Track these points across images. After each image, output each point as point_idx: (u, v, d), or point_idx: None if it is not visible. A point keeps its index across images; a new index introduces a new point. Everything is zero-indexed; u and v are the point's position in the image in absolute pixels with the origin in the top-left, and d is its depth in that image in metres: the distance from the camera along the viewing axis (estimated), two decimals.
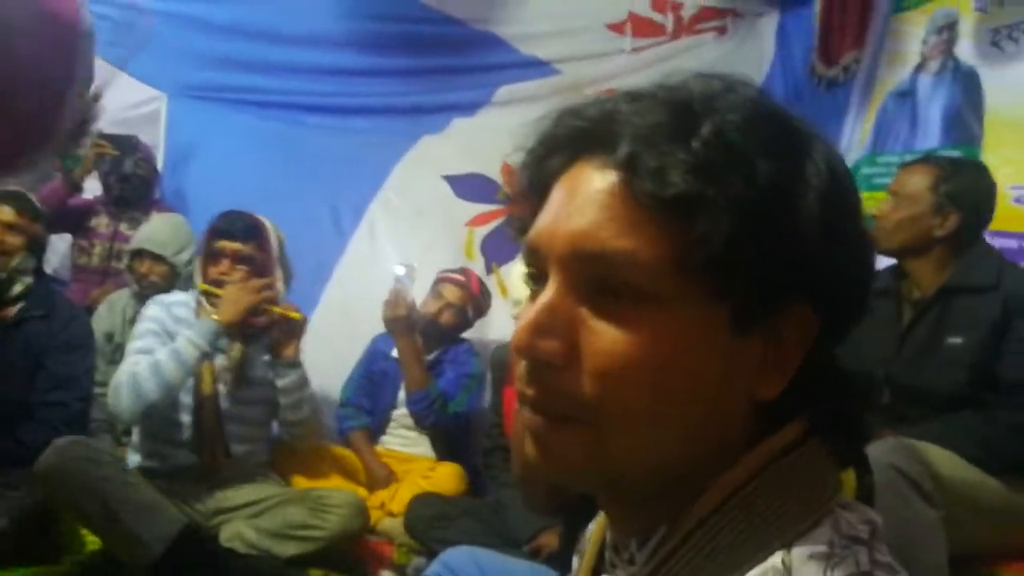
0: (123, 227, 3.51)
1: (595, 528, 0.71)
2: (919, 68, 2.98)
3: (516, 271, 2.74)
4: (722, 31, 3.89)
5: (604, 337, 0.53)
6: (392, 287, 2.99)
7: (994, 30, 2.69)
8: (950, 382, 1.98)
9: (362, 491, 2.80)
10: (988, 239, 2.13)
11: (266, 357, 2.54)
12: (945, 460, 1.79)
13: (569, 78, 3.90)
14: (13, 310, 2.50)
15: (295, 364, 2.54)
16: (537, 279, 0.59)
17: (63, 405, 2.48)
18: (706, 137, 0.52)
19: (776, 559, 0.51)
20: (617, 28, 3.92)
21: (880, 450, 1.68)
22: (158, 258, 3.05)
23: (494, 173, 3.83)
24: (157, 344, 2.37)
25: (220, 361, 2.45)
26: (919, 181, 2.10)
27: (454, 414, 2.98)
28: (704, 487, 0.55)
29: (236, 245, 2.47)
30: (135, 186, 3.56)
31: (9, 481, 2.30)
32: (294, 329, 2.54)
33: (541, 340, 0.54)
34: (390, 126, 4.00)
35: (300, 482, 2.78)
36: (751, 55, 3.75)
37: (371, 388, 3.13)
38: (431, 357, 3.05)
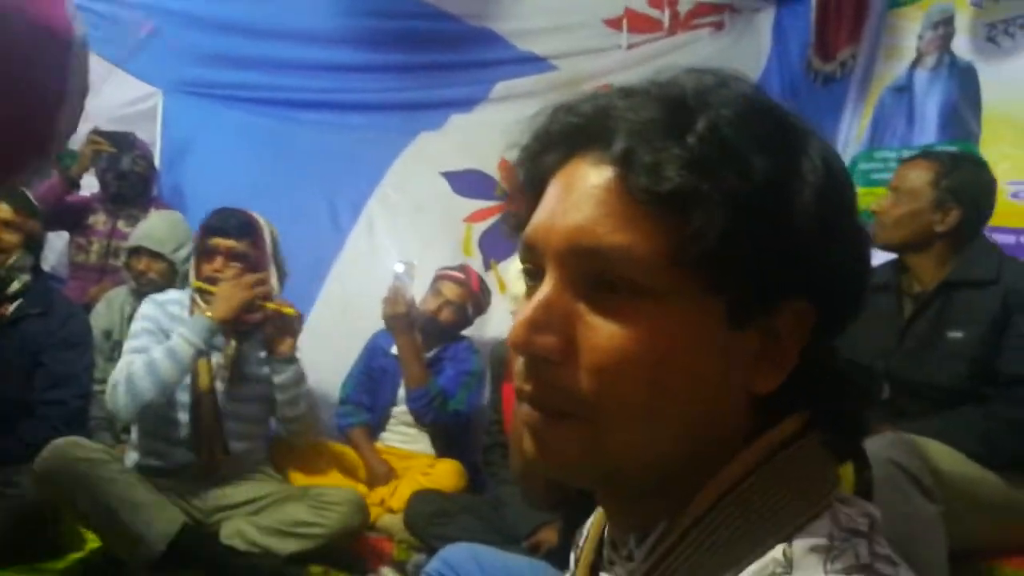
0: (121, 224, 3.51)
1: (593, 524, 0.71)
2: (915, 63, 2.98)
3: (514, 267, 2.74)
4: (719, 27, 3.89)
5: (601, 332, 0.54)
6: (391, 285, 2.99)
7: (990, 25, 2.69)
8: (950, 376, 1.98)
9: (361, 487, 2.80)
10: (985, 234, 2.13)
11: (262, 354, 2.54)
12: (945, 455, 1.79)
13: (566, 74, 3.90)
14: (11, 308, 2.50)
15: (291, 360, 2.54)
16: (534, 275, 0.59)
17: (62, 403, 2.48)
18: (701, 132, 0.52)
19: (777, 552, 0.52)
20: (614, 24, 3.91)
21: (879, 445, 1.68)
22: (156, 255, 3.05)
23: (492, 169, 3.83)
24: (152, 343, 2.36)
25: (217, 358, 2.45)
26: (919, 176, 2.10)
27: (454, 412, 2.98)
28: (702, 482, 0.55)
29: (229, 242, 2.47)
30: (132, 183, 3.55)
31: (9, 479, 2.31)
32: (289, 325, 2.54)
33: (538, 336, 0.54)
34: (388, 122, 4.00)
35: (297, 478, 2.79)
36: (748, 51, 3.75)
37: (371, 385, 3.13)
38: (431, 354, 3.05)
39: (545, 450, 0.57)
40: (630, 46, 3.90)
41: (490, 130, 3.53)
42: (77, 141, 3.53)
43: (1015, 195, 2.45)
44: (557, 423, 0.56)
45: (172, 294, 2.56)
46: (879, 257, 2.24)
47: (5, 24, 0.97)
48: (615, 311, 0.53)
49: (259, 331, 2.53)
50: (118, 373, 2.30)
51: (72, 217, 3.53)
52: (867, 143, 3.13)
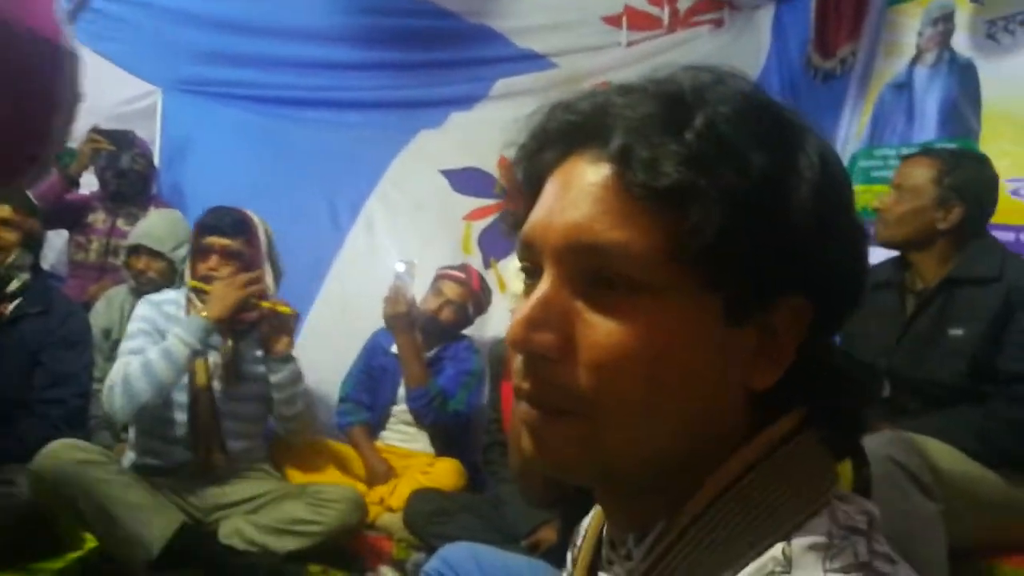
0: (120, 223, 3.50)
1: (591, 523, 0.71)
2: (915, 60, 2.98)
3: (514, 265, 2.73)
4: (718, 24, 3.89)
5: (599, 329, 0.53)
6: (392, 284, 2.99)
7: (990, 22, 2.69)
8: (951, 373, 1.98)
9: (360, 486, 2.80)
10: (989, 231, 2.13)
11: (259, 352, 2.54)
12: (944, 453, 1.79)
13: (566, 71, 3.89)
14: (10, 307, 2.50)
15: (287, 359, 2.54)
16: (532, 273, 0.59)
17: (61, 402, 2.48)
18: (698, 129, 0.52)
19: (776, 551, 0.51)
20: (613, 21, 3.91)
21: (878, 443, 1.68)
22: (155, 254, 3.04)
23: (492, 167, 3.83)
24: (148, 344, 2.36)
25: (213, 357, 2.45)
26: (922, 174, 2.10)
27: (454, 412, 2.98)
28: (701, 480, 0.55)
29: (224, 241, 2.46)
30: (132, 181, 3.55)
31: (8, 478, 2.31)
32: (285, 324, 2.54)
33: (536, 334, 0.54)
34: (387, 120, 4.00)
35: (294, 475, 2.79)
36: (747, 48, 3.74)
37: (370, 383, 3.13)
38: (431, 354, 3.05)
39: (543, 448, 0.57)
40: (630, 43, 3.90)
41: (490, 128, 3.53)
42: (76, 139, 3.53)
43: (1015, 192, 2.45)
44: (555, 421, 0.55)
45: (168, 294, 2.55)
46: (882, 254, 2.24)
47: None
48: (613, 308, 0.53)
49: (255, 330, 2.53)
50: (114, 375, 2.30)
51: (71, 215, 3.52)
52: (867, 140, 3.13)
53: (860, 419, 0.61)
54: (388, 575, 2.43)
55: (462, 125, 3.94)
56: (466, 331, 3.18)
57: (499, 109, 3.86)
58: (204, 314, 2.37)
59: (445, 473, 2.87)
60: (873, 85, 3.15)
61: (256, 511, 2.41)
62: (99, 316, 3.07)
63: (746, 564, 0.52)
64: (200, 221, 2.53)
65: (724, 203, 0.51)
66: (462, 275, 3.14)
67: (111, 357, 2.84)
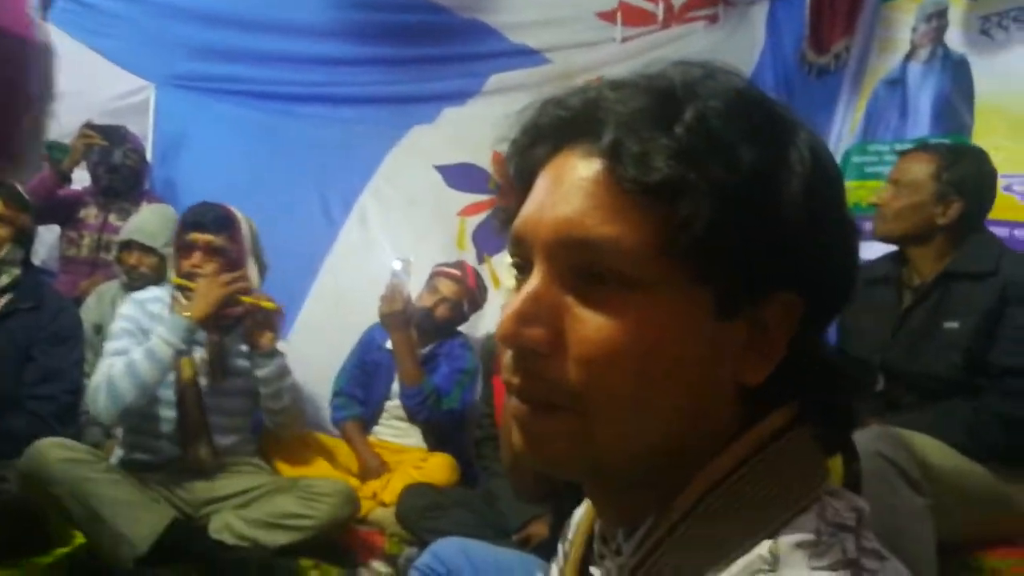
0: (112, 218, 3.49)
1: (583, 518, 0.71)
2: (909, 56, 2.98)
3: (507, 260, 2.73)
4: (713, 19, 3.88)
5: (589, 324, 0.53)
6: (389, 282, 2.98)
7: (983, 18, 2.69)
8: (946, 367, 1.99)
9: (353, 481, 2.80)
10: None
11: (244, 347, 2.53)
12: (933, 448, 1.80)
13: (559, 67, 3.89)
14: (1, 302, 2.48)
15: (272, 354, 2.53)
16: (522, 268, 0.59)
17: (52, 398, 2.47)
18: (689, 123, 0.52)
19: (763, 548, 0.51)
20: (608, 17, 3.91)
21: (867, 438, 1.69)
22: (147, 249, 3.03)
23: (485, 163, 3.83)
24: (132, 344, 2.36)
25: (199, 353, 2.45)
26: (921, 169, 2.10)
27: (448, 410, 2.98)
28: (691, 475, 0.55)
29: (207, 237, 2.45)
30: (124, 177, 3.54)
31: None
32: (269, 319, 2.53)
33: (526, 329, 0.54)
34: (381, 116, 3.99)
35: (284, 469, 2.78)
36: (742, 43, 3.74)
37: (364, 378, 3.13)
38: (426, 351, 3.05)
39: (533, 443, 0.57)
40: (624, 39, 3.90)
41: (483, 123, 3.50)
42: (68, 135, 3.52)
43: (1007, 188, 2.45)
44: (545, 415, 0.55)
45: (152, 292, 2.54)
46: (879, 249, 2.24)
47: None
48: (603, 303, 0.53)
49: (241, 325, 2.53)
50: (99, 376, 2.30)
51: (63, 211, 3.51)
52: (860, 136, 3.13)
53: (851, 414, 0.61)
54: (380, 570, 2.43)
55: (455, 120, 3.94)
56: (461, 328, 3.18)
57: (493, 105, 3.85)
58: (188, 314, 2.36)
59: (438, 468, 2.87)
60: (867, 81, 3.16)
61: (247, 505, 2.40)
62: (90, 312, 3.06)
63: (734, 560, 0.52)
64: (182, 218, 2.52)
65: (714, 197, 0.50)
66: (458, 272, 3.13)
67: (102, 353, 2.83)
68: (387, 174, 3.85)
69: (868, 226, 2.24)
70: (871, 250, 2.27)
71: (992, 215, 2.17)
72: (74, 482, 2.15)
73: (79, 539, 2.32)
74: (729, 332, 0.54)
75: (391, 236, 3.69)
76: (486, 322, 3.30)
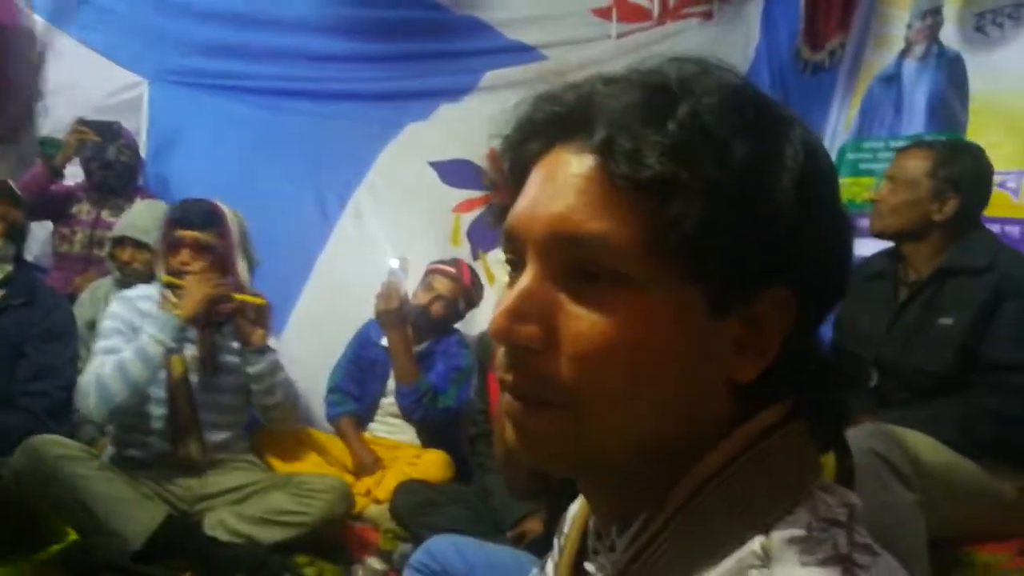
0: (105, 214, 3.49)
1: (577, 513, 0.71)
2: (904, 53, 2.98)
3: (501, 257, 2.72)
4: (708, 16, 3.88)
5: (582, 321, 0.53)
6: (386, 280, 2.97)
7: (979, 15, 2.69)
8: (940, 363, 1.99)
9: (347, 477, 2.80)
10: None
11: (235, 344, 2.53)
12: (925, 445, 1.81)
13: (555, 63, 3.88)
14: None
15: (263, 350, 2.53)
16: (516, 265, 0.59)
17: (45, 395, 2.47)
18: (681, 119, 0.52)
19: (755, 544, 0.51)
20: (603, 13, 3.91)
21: (860, 435, 1.69)
22: (140, 245, 3.02)
23: (480, 159, 3.80)
24: (122, 343, 2.35)
25: (190, 350, 2.44)
26: (918, 166, 2.10)
27: (444, 408, 2.98)
28: (684, 471, 0.55)
29: (195, 233, 2.44)
30: (117, 173, 3.53)
31: None
32: (259, 315, 2.53)
33: (519, 325, 0.54)
34: (376, 112, 3.98)
35: (278, 465, 2.78)
36: (737, 40, 3.75)
37: (359, 375, 3.13)
38: (421, 348, 3.04)
39: (526, 439, 0.57)
40: (619, 35, 3.89)
41: (479, 120, 3.51)
42: (61, 130, 3.51)
43: (1002, 184, 2.45)
44: (538, 412, 0.55)
45: (142, 289, 2.53)
46: (876, 246, 2.24)
47: None
48: (595, 300, 0.53)
49: (231, 322, 2.52)
50: (88, 375, 2.30)
51: (56, 207, 3.50)
52: (855, 133, 3.13)
53: (845, 411, 0.61)
54: (375, 566, 2.42)
55: (450, 117, 3.93)
56: (457, 325, 3.18)
57: (488, 101, 3.84)
58: (177, 312, 2.36)
59: (432, 465, 2.87)
60: (862, 78, 3.16)
61: (241, 502, 2.40)
62: (84, 308, 3.05)
63: (726, 556, 0.52)
64: (169, 214, 2.51)
65: (706, 195, 0.50)
66: (453, 270, 3.13)
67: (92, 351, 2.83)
68: (382, 170, 3.84)
69: (864, 223, 2.24)
70: (867, 247, 2.27)
71: (985, 212, 2.18)
72: (68, 479, 2.14)
73: (72, 536, 2.32)
74: (721, 330, 0.54)
75: (386, 232, 3.68)
76: (480, 318, 3.30)
